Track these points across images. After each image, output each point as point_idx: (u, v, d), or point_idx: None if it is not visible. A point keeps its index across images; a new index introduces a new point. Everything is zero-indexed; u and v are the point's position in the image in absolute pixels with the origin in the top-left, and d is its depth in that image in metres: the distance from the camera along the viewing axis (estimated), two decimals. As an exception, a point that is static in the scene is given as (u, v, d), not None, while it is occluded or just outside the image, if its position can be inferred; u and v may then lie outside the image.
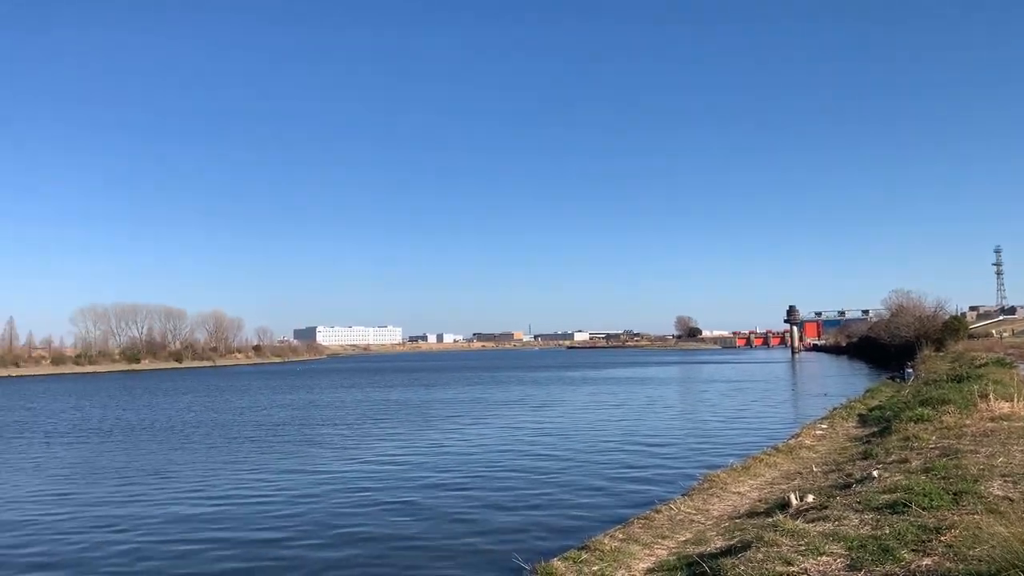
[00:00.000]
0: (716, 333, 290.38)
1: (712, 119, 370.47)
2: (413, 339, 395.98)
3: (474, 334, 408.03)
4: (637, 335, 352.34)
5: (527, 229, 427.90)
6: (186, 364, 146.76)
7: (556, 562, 10.09)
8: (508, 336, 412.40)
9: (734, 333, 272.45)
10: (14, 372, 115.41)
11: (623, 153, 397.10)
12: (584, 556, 10.10)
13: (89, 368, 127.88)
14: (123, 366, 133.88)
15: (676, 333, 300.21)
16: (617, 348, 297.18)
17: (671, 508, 13.05)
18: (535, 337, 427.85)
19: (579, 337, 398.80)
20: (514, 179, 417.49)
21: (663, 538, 11.02)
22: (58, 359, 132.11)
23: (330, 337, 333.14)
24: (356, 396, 55.33)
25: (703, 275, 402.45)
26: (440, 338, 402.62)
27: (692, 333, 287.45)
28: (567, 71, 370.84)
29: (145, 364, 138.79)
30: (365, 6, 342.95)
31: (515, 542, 13.16)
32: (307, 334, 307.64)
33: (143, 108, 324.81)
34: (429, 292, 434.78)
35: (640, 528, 11.79)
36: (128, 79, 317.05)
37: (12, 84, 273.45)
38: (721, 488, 14.75)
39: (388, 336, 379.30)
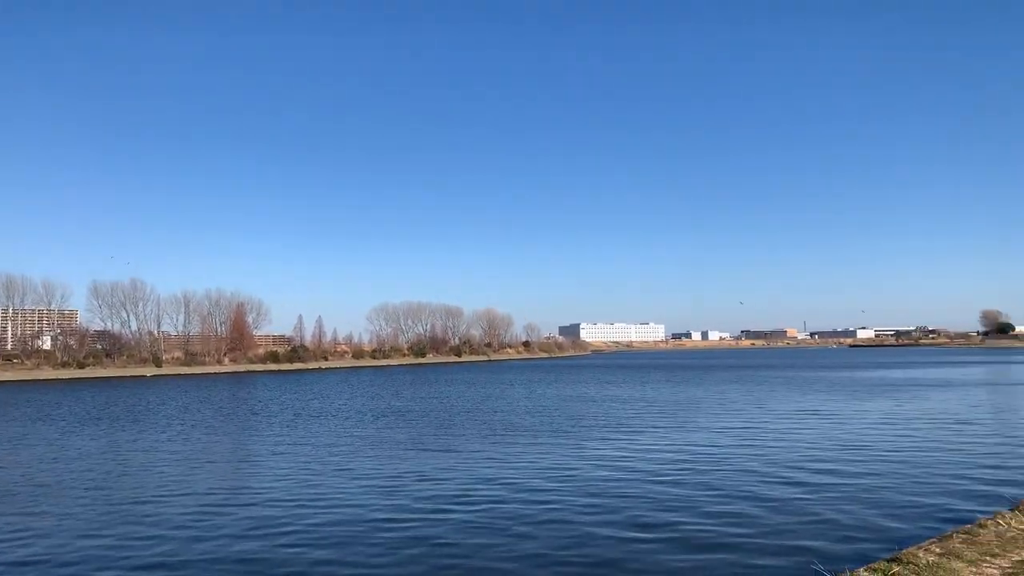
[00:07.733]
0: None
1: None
2: (676, 336, 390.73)
3: (742, 331, 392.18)
4: (933, 332, 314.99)
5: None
6: (464, 358, 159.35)
7: (863, 572, 9.42)
8: (780, 333, 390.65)
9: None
10: (324, 365, 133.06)
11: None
12: (895, 569, 9.30)
13: (383, 361, 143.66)
14: (411, 360, 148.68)
15: (981, 329, 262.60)
16: (908, 347, 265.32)
17: (998, 523, 11.52)
18: (811, 335, 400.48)
19: (863, 335, 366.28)
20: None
21: (992, 556, 9.76)
22: (358, 353, 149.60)
23: (593, 334, 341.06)
24: (616, 392, 55.88)
25: (1014, 260, 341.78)
26: (705, 335, 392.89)
27: (1002, 329, 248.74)
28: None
29: (430, 358, 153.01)
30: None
31: (811, 551, 12.38)
32: (572, 331, 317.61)
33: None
34: (694, 290, 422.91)
35: (961, 543, 10.56)
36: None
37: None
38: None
39: (650, 333, 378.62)
